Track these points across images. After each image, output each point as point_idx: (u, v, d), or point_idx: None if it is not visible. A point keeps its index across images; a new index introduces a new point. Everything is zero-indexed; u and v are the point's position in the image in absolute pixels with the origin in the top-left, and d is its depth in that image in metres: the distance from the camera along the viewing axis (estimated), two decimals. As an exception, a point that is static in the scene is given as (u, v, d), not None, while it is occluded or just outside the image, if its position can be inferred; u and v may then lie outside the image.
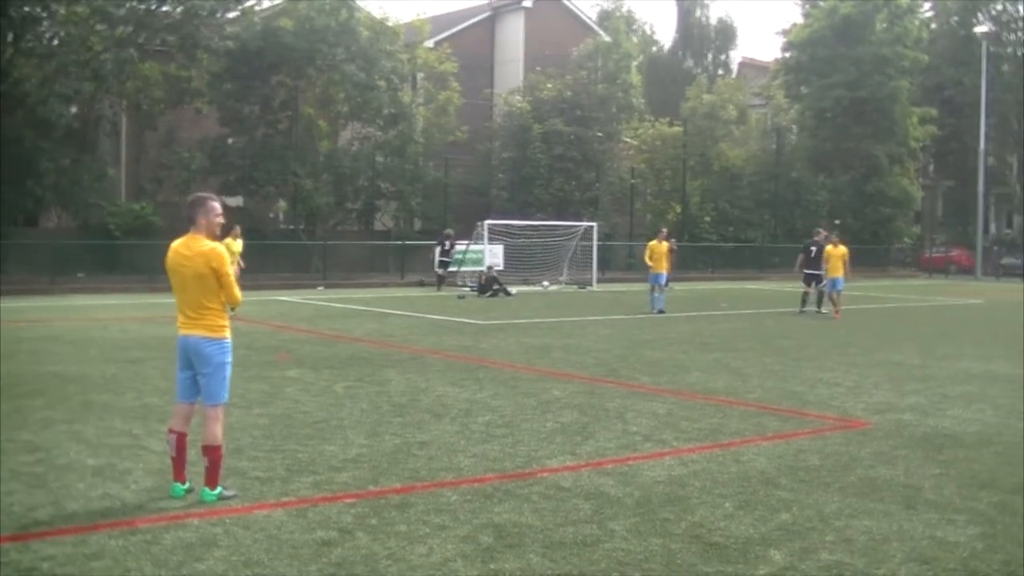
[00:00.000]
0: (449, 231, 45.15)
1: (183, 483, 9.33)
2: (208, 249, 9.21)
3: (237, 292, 9.42)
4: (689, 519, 8.74)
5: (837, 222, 65.76)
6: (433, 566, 7.46)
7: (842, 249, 31.85)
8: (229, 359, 9.44)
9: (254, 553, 7.68)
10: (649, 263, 31.78)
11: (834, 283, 31.63)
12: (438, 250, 44.49)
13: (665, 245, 32.02)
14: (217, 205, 9.43)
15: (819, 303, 32.80)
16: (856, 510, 9.09)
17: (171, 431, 9.46)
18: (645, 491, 9.63)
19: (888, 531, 8.48)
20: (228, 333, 9.43)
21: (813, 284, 32.98)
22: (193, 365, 9.33)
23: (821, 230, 36.00)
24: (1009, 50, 77.58)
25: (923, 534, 8.42)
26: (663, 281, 31.75)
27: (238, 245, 29.09)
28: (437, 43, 57.03)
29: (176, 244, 9.35)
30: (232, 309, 9.58)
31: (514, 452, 11.26)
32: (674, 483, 9.96)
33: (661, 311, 30.89)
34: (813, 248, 33.35)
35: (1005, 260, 68.34)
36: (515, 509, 8.95)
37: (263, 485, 9.66)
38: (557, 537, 8.17)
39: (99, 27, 41.86)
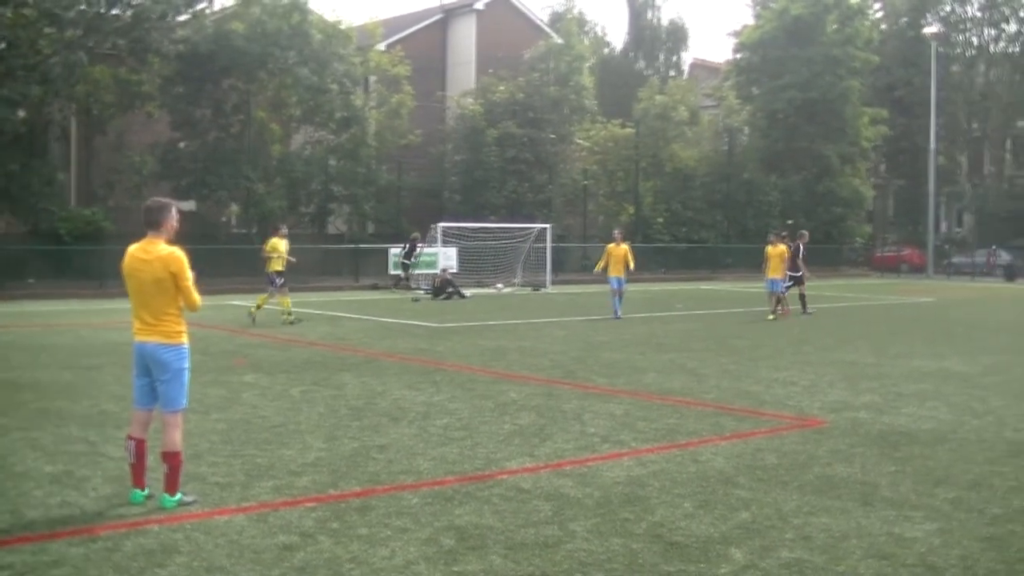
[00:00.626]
0: (416, 234, 45.04)
1: (142, 489, 9.29)
2: (167, 253, 9.17)
3: (196, 297, 9.34)
4: (649, 519, 8.80)
5: (789, 222, 66.09)
6: (396, 569, 7.48)
7: (781, 248, 31.26)
8: (187, 365, 9.42)
9: (216, 559, 7.67)
10: (598, 268, 31.70)
11: (773, 283, 31.04)
12: (399, 251, 44.47)
13: (624, 248, 30.96)
14: (175, 211, 9.44)
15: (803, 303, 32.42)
16: (814, 508, 9.17)
17: (129, 437, 9.42)
18: (605, 492, 9.68)
19: (847, 528, 8.57)
20: (185, 339, 9.40)
21: (794, 284, 32.41)
22: (151, 371, 9.30)
23: (804, 232, 35.05)
24: (958, 51, 78.34)
25: (881, 530, 8.51)
26: (622, 285, 30.75)
27: (284, 245, 28.73)
28: (389, 46, 56.94)
29: (133, 248, 9.31)
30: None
31: (473, 454, 11.29)
32: (633, 483, 10.02)
33: (618, 317, 29.73)
34: (795, 249, 32.80)
35: (956, 259, 68.88)
36: (476, 511, 8.98)
37: (223, 490, 9.65)
38: (519, 538, 8.21)
39: (47, 30, 41.43)
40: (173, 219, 9.33)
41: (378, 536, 8.23)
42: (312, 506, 9.11)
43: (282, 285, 28.26)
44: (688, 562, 7.69)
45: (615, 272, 30.52)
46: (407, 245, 44.23)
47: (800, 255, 32.66)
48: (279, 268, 28.45)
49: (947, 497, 9.59)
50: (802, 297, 32.35)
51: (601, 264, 31.45)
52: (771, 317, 30.26)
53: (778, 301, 30.90)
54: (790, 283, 31.97)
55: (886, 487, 9.95)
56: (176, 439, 9.20)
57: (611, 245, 31.18)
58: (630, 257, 31.01)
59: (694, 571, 7.51)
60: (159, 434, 9.28)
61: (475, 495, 9.52)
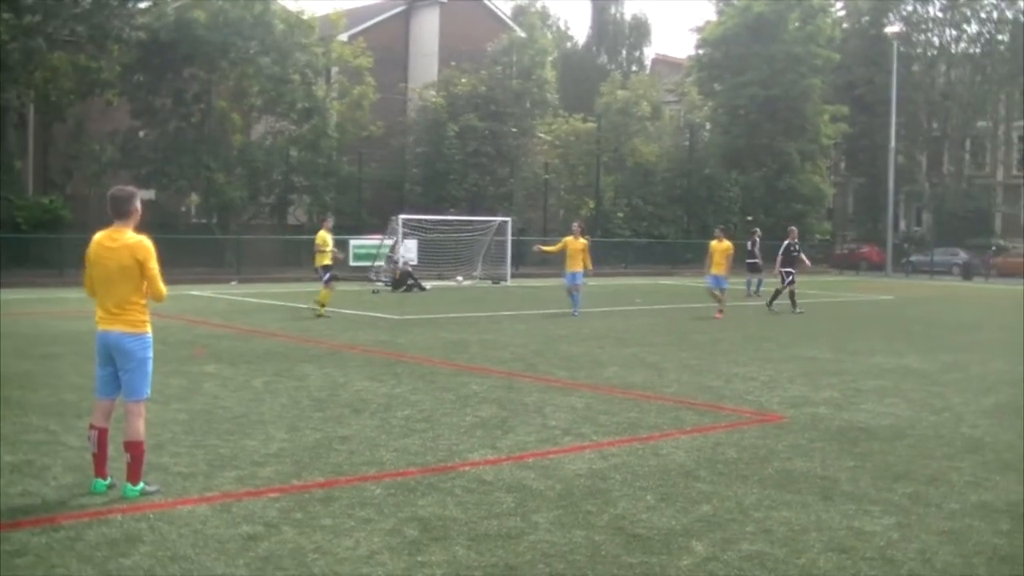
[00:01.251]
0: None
1: (104, 479, 9.26)
2: (135, 241, 9.16)
3: (162, 286, 9.32)
4: (611, 511, 8.87)
5: (749, 218, 66.49)
6: (360, 559, 7.52)
7: (726, 244, 30.25)
8: (151, 354, 9.42)
9: (180, 548, 7.69)
10: (549, 250, 31.36)
11: (717, 280, 30.11)
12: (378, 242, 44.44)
13: (582, 242, 29.66)
14: (140, 199, 9.44)
15: (791, 301, 32.05)
16: (775, 501, 9.27)
17: (92, 427, 9.38)
18: (567, 484, 9.74)
19: (807, 522, 8.67)
20: (149, 328, 9.39)
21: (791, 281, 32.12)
22: (114, 361, 9.28)
23: (793, 229, 34.52)
24: (919, 50, 78.95)
25: (840, 524, 8.61)
26: (578, 281, 29.45)
27: (331, 238, 28.36)
28: (351, 37, 56.88)
29: (99, 236, 9.26)
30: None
31: (435, 446, 11.33)
32: (595, 476, 10.09)
33: (575, 315, 28.60)
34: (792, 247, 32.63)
35: (914, 257, 69.37)
36: (439, 502, 9.03)
37: (185, 480, 9.66)
38: (482, 530, 8.26)
39: (5, 15, 41.15)
40: (138, 207, 9.33)
41: (342, 527, 8.27)
42: (276, 496, 9.13)
43: (328, 280, 27.75)
44: (650, 554, 7.77)
45: (572, 267, 29.30)
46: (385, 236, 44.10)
47: (793, 250, 32.54)
48: (328, 262, 27.96)
49: (906, 492, 9.70)
50: (792, 295, 31.97)
51: (553, 249, 30.78)
52: (719, 316, 29.47)
53: (716, 299, 30.08)
54: (791, 278, 31.96)
55: (845, 482, 10.06)
56: (139, 428, 9.19)
57: (569, 238, 30.06)
58: (587, 253, 29.63)
59: (656, 563, 7.58)
60: (122, 423, 9.27)
61: (438, 486, 9.57)
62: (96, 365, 9.48)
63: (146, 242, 9.24)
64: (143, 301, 9.32)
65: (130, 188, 9.52)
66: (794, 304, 31.83)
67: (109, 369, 9.35)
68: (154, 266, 9.24)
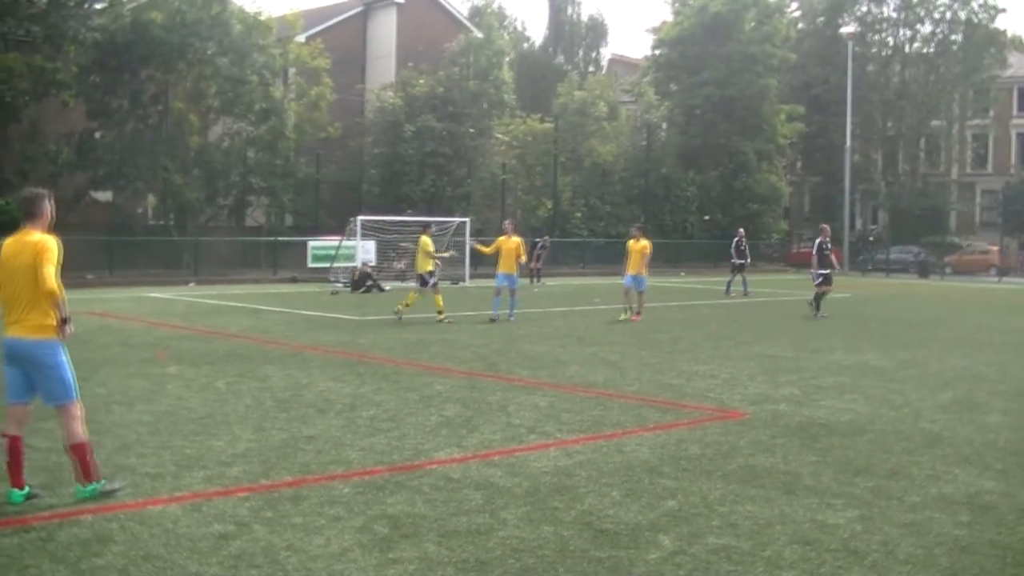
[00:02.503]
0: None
1: (21, 488, 8.99)
2: (37, 240, 8.91)
3: (52, 283, 8.80)
4: (578, 507, 8.98)
5: (707, 217, 66.91)
6: (332, 556, 7.60)
7: (643, 243, 28.65)
8: (63, 358, 9.08)
9: (152, 548, 7.74)
10: (485, 251, 29.58)
11: (635, 280, 28.33)
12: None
13: (515, 242, 28.10)
14: (50, 201, 9.25)
15: (816, 304, 30.76)
16: (739, 496, 9.40)
17: (3, 435, 9.11)
18: (533, 481, 9.84)
19: (771, 515, 8.80)
20: (55, 333, 9.00)
21: (824, 281, 30.76)
22: (22, 363, 9.02)
23: (825, 227, 32.83)
24: (874, 50, 79.56)
25: (804, 518, 8.75)
26: (513, 283, 27.94)
27: (431, 244, 27.71)
28: (309, 38, 56.77)
29: (8, 239, 9.06)
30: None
31: (401, 445, 11.41)
32: (561, 473, 10.19)
33: (494, 319, 27.28)
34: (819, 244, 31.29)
35: (876, 255, 69.81)
36: (407, 500, 9.11)
37: (154, 481, 9.69)
38: (451, 526, 8.35)
39: (-42, 15, 41.01)
40: (48, 209, 9.12)
41: (312, 525, 8.35)
42: (245, 496, 9.19)
43: (434, 284, 27.33)
44: (618, 548, 7.88)
45: (505, 268, 27.81)
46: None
47: (821, 250, 31.12)
48: (431, 268, 27.43)
49: (867, 486, 9.85)
50: (818, 297, 30.58)
51: (488, 249, 29.29)
52: (623, 316, 28.04)
53: (632, 300, 28.40)
54: (820, 280, 30.66)
55: (808, 476, 10.21)
56: (77, 430, 9.04)
57: (501, 238, 28.62)
58: (521, 251, 28.38)
59: (624, 557, 7.70)
60: (62, 431, 9.20)
61: (406, 484, 9.65)
62: (4, 368, 9.18)
63: (50, 241, 8.94)
64: (48, 305, 8.91)
65: (40, 190, 9.29)
66: (818, 307, 30.52)
67: (16, 372, 9.08)
68: (50, 260, 8.84)
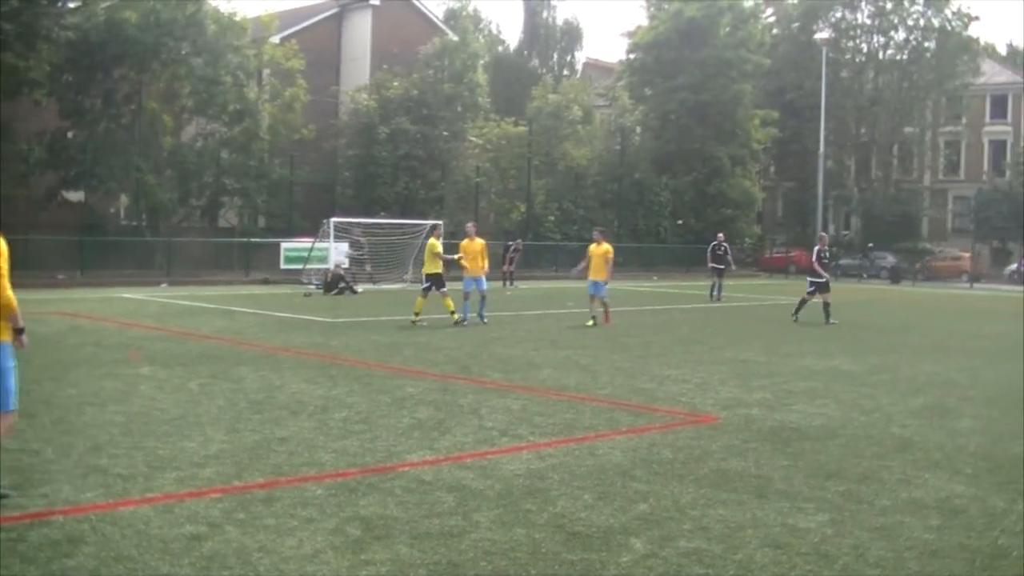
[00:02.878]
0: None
1: None
2: None
3: (8, 292, 8.71)
4: (551, 510, 8.99)
5: (680, 222, 67.06)
6: (305, 558, 7.60)
7: (605, 247, 27.94)
8: (11, 363, 8.89)
9: (124, 549, 7.72)
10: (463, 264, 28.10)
11: (595, 286, 27.66)
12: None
13: (479, 244, 28.29)
14: None
15: (798, 310, 30.72)
16: (711, 500, 9.43)
17: None
18: (506, 484, 9.86)
19: (742, 519, 8.84)
20: (5, 335, 8.85)
21: (816, 291, 30.36)
22: None
23: (823, 235, 32.80)
24: (848, 57, 79.93)
25: (776, 521, 8.79)
26: (482, 286, 27.90)
27: (439, 245, 27.40)
28: (284, 39, 56.73)
29: None
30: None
31: (374, 447, 11.41)
32: (533, 476, 10.21)
33: (462, 321, 27.10)
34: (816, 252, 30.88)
35: (843, 260, 70.04)
36: (380, 502, 9.11)
37: (126, 482, 9.66)
38: (423, 528, 8.36)
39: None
40: None
41: (285, 526, 8.34)
42: (218, 497, 9.18)
43: (440, 288, 27.21)
44: (590, 551, 7.90)
45: (473, 271, 27.81)
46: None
47: (820, 258, 30.69)
48: (439, 270, 27.56)
49: (838, 490, 9.90)
50: (826, 306, 30.20)
51: (461, 258, 28.39)
52: (590, 323, 27.46)
53: (599, 305, 27.88)
54: (812, 289, 30.35)
55: (779, 480, 10.25)
56: None
57: (465, 241, 28.55)
58: (485, 255, 28.40)
59: (596, 559, 7.72)
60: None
61: (378, 486, 9.65)
62: None
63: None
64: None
65: None
66: (827, 316, 30.09)
67: None
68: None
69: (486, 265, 28.57)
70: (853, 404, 15.13)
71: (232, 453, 10.92)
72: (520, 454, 11.26)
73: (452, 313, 26.95)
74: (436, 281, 27.34)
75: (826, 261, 31.06)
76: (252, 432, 12.06)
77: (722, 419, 13.65)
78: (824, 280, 30.41)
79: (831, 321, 29.82)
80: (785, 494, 9.70)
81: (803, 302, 30.71)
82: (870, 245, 74.74)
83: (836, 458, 11.38)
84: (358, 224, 45.85)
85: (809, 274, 31.21)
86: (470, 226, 29.63)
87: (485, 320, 27.48)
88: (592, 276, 27.81)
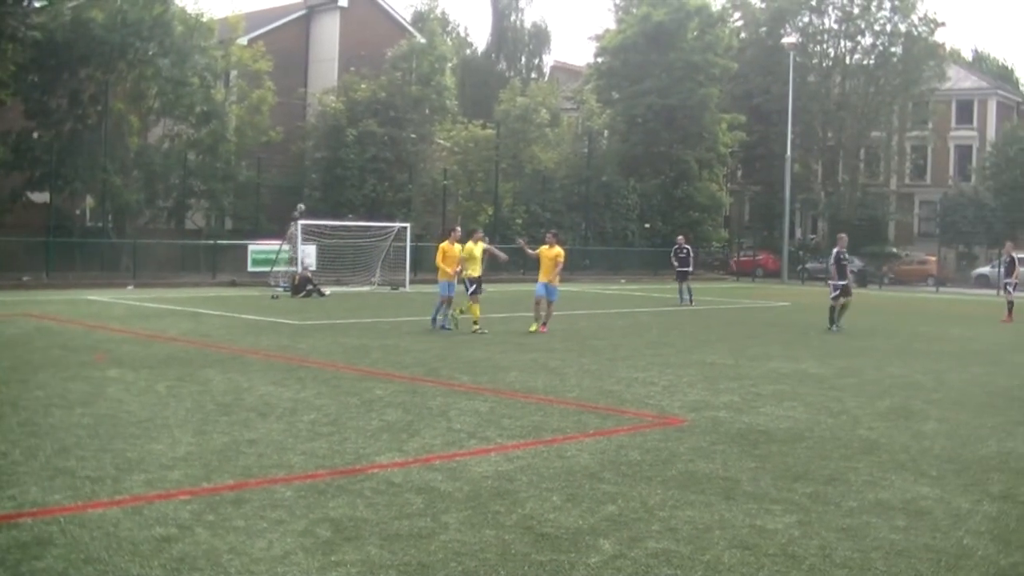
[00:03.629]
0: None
1: None
2: None
3: None
4: (519, 511, 9.04)
5: (647, 225, 67.17)
6: (275, 559, 7.62)
7: (557, 250, 26.87)
8: None
9: (93, 551, 7.72)
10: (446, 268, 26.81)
11: (547, 289, 26.54)
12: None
13: (482, 246, 27.62)
14: None
15: (836, 317, 29.73)
16: (679, 501, 9.49)
17: None
18: (474, 485, 9.90)
19: (710, 520, 8.90)
20: None
21: (841, 294, 29.56)
22: None
23: (843, 236, 31.75)
24: (815, 61, 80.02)
25: (743, 523, 8.86)
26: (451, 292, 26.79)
27: (479, 248, 26.95)
28: (251, 40, 56.62)
29: None
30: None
31: (342, 449, 11.43)
32: (502, 478, 10.25)
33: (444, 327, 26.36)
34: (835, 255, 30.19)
35: (810, 264, 70.19)
36: (349, 504, 9.14)
37: (94, 484, 9.66)
38: (393, 530, 8.40)
39: None
40: None
41: (255, 528, 8.36)
42: (186, 499, 9.19)
43: (473, 292, 26.56)
44: (559, 552, 7.95)
45: (445, 276, 26.78)
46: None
47: (839, 260, 30.07)
48: (478, 274, 27.05)
49: (805, 491, 9.98)
50: (832, 309, 29.72)
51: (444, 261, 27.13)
52: (533, 328, 26.38)
53: (543, 309, 26.75)
54: (836, 293, 29.65)
55: (747, 482, 10.32)
56: None
57: (444, 243, 27.48)
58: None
59: (565, 560, 7.77)
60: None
61: (347, 488, 9.68)
62: None
63: None
64: None
65: None
66: (831, 320, 29.69)
67: None
68: None
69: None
70: (820, 407, 15.23)
71: (200, 455, 10.93)
72: (488, 456, 11.31)
73: (475, 322, 26.15)
74: (466, 284, 26.81)
75: (845, 263, 30.34)
76: (220, 434, 12.07)
77: (690, 421, 13.72)
78: (845, 283, 29.76)
79: (836, 326, 29.42)
80: (752, 496, 9.78)
81: (832, 309, 29.84)
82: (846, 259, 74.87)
83: (803, 460, 11.47)
84: (329, 230, 45.72)
85: (831, 278, 30.62)
86: (454, 230, 28.50)
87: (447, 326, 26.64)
88: (542, 278, 26.85)
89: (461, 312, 26.66)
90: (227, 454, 11.02)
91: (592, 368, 19.33)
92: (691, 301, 39.00)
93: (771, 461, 11.36)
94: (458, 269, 26.88)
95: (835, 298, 29.74)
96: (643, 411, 14.52)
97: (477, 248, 27.05)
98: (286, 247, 43.64)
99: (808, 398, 16.06)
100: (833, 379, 18.58)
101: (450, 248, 27.06)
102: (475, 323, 26.02)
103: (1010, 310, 35.82)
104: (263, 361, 19.20)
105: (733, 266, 73.14)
